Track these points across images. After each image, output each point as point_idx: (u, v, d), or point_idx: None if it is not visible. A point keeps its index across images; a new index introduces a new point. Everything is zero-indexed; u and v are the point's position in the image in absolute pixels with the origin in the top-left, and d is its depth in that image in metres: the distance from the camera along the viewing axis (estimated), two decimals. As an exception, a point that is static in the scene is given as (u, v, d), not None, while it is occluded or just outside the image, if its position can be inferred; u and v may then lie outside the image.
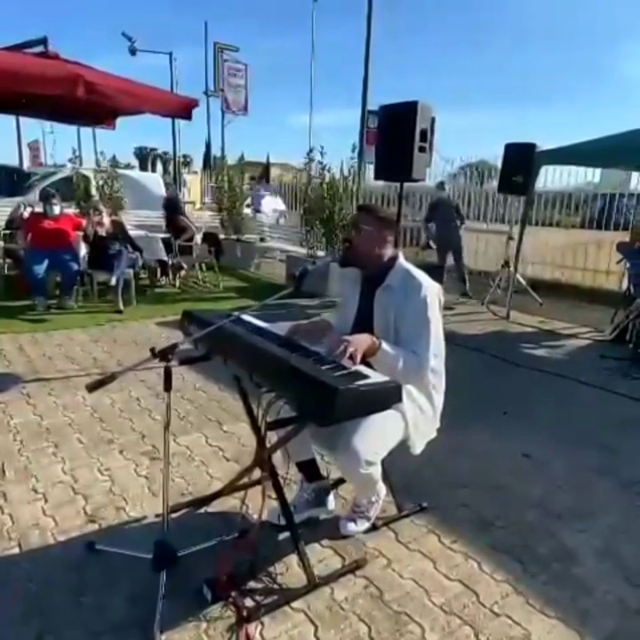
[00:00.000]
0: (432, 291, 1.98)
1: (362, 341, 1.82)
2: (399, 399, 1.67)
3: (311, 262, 2.03)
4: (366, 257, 2.05)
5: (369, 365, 1.82)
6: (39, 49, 6.30)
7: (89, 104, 6.02)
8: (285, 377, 1.67)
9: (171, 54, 16.05)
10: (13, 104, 6.85)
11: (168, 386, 1.78)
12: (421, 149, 4.43)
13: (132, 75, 6.12)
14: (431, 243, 7.68)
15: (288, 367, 1.65)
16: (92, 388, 1.62)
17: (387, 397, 1.65)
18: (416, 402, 2.05)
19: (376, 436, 1.88)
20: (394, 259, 2.07)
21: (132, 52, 16.29)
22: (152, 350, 1.71)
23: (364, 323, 2.07)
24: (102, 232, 6.03)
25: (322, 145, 7.61)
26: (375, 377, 1.67)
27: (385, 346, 1.89)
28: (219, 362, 1.99)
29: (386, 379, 1.67)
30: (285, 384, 1.68)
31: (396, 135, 4.52)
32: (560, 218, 9.75)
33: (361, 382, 1.60)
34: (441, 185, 8.15)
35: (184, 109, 6.25)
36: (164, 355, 1.71)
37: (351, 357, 1.74)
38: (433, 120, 5.00)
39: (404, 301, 1.97)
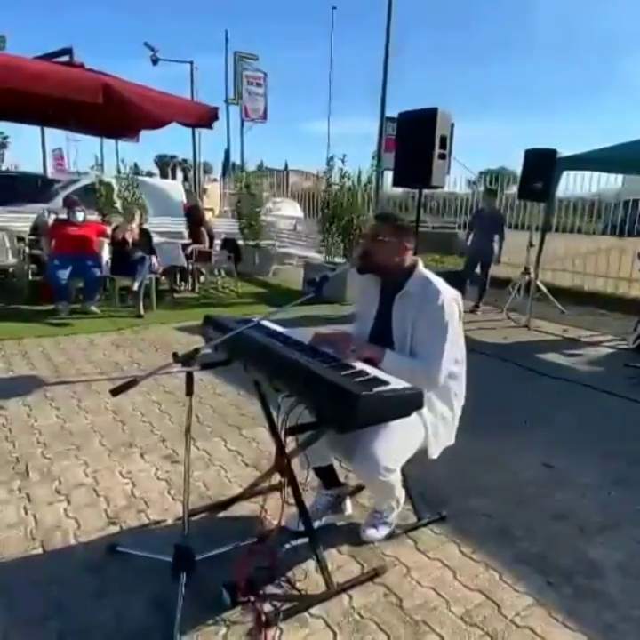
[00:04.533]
0: (449, 297, 1.97)
1: (366, 346, 1.99)
2: (420, 406, 1.66)
3: (330, 269, 2.03)
4: (385, 266, 2.05)
5: None
6: (65, 59, 6.48)
7: (113, 115, 6.17)
8: (305, 383, 1.67)
9: (191, 63, 16.27)
10: (40, 115, 7.04)
11: (190, 390, 1.80)
12: (441, 156, 4.43)
13: (151, 84, 6.25)
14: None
15: (308, 373, 1.66)
16: (115, 392, 1.64)
17: (408, 404, 1.64)
18: (436, 408, 2.05)
19: (395, 443, 1.87)
20: (413, 266, 2.06)
21: (154, 61, 16.56)
22: (175, 355, 1.73)
23: (382, 330, 2.07)
24: (130, 239, 6.13)
25: (344, 153, 7.63)
26: (396, 383, 1.66)
27: (389, 353, 1.92)
28: (239, 367, 2.01)
29: (407, 385, 1.67)
30: (305, 390, 1.68)
31: (415, 142, 4.52)
32: (582, 224, 9.65)
33: (382, 388, 1.60)
34: (489, 193, 7.63)
35: (206, 117, 6.35)
36: (186, 360, 1.73)
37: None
38: (452, 127, 4.99)
39: (422, 308, 1.96)
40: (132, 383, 1.68)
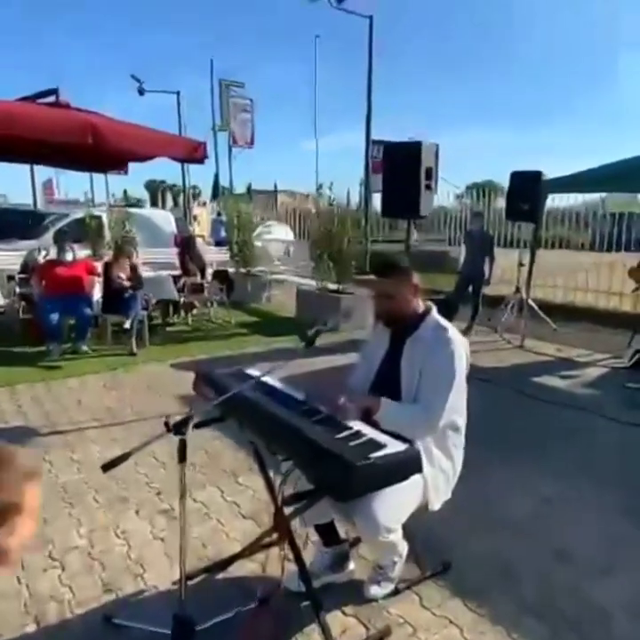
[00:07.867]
0: (460, 346, 1.97)
1: (363, 397, 1.98)
2: (419, 469, 1.63)
3: (323, 322, 2.03)
4: (402, 316, 2.07)
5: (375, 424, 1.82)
6: (51, 99, 6.51)
7: (101, 153, 6.20)
8: (302, 449, 1.65)
9: (178, 93, 16.49)
10: (29, 153, 7.07)
11: (183, 457, 1.76)
12: (427, 187, 4.46)
13: (138, 112, 6.32)
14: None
15: (304, 439, 1.63)
16: (106, 467, 1.62)
17: (406, 468, 1.62)
18: (436, 461, 2.01)
19: (395, 503, 1.84)
20: (427, 311, 2.08)
21: (141, 92, 16.73)
22: (166, 424, 1.70)
23: (389, 372, 2.07)
24: (125, 276, 6.09)
25: (331, 181, 7.75)
26: (392, 446, 1.63)
27: (386, 402, 1.91)
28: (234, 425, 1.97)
29: (404, 447, 1.64)
30: (302, 457, 1.65)
31: (401, 174, 4.56)
32: (570, 236, 9.78)
33: (378, 454, 1.56)
34: (477, 215, 7.92)
35: (195, 152, 6.39)
36: (178, 428, 1.70)
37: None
38: (437, 153, 5.05)
39: (432, 353, 1.96)
40: (123, 457, 1.64)
